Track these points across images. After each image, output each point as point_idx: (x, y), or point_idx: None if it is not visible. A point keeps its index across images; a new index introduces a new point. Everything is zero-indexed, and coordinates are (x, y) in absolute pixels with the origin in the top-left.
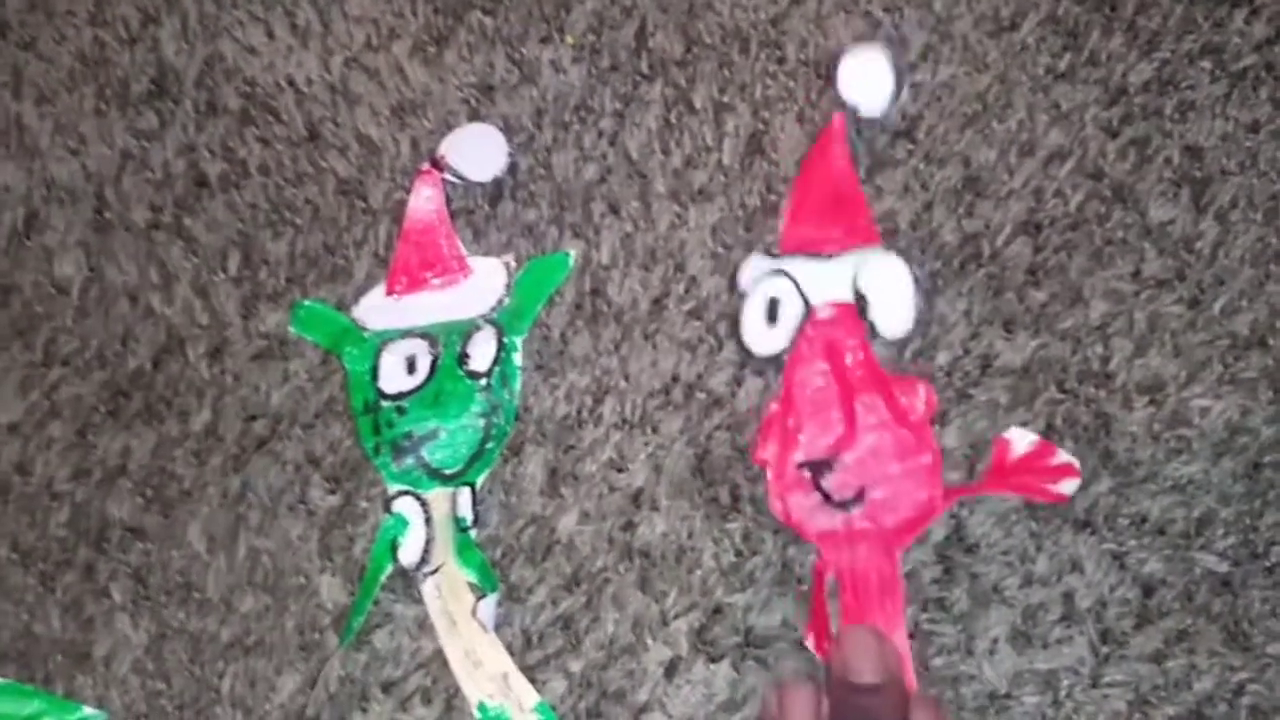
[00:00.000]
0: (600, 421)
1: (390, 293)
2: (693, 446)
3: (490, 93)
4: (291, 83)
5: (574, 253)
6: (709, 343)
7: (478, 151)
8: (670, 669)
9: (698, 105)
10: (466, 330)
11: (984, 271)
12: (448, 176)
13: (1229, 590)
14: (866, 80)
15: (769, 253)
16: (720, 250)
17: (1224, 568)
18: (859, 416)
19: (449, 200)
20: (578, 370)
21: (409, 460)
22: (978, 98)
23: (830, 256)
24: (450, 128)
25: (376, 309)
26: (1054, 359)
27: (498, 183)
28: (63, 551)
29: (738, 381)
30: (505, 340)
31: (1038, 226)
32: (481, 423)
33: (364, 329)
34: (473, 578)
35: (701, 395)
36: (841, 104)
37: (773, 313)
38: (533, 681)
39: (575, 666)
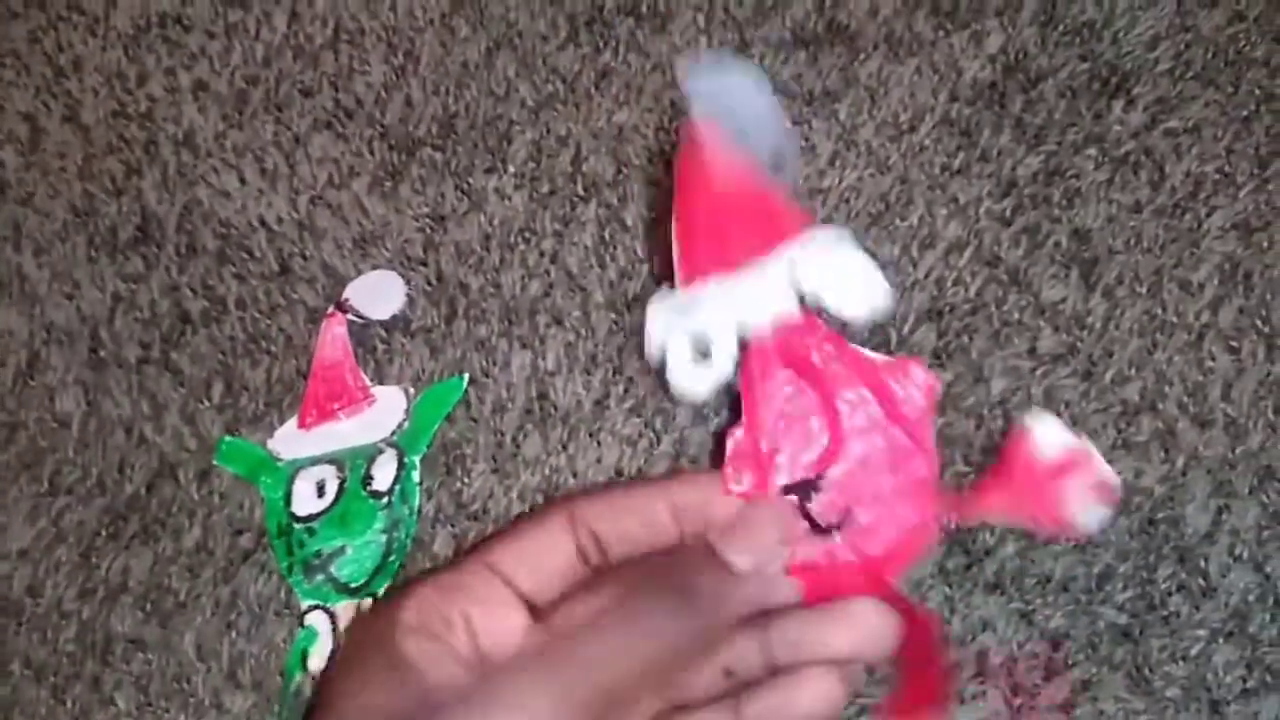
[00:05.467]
0: None
1: (302, 425)
2: None
3: (442, 221)
4: (263, 222)
5: (467, 377)
6: (648, 437)
7: (377, 293)
8: None
9: (629, 222)
10: (370, 454)
11: None
12: (351, 317)
13: (1130, 640)
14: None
15: (670, 291)
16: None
17: (1124, 619)
18: (844, 417)
19: (354, 337)
20: (529, 470)
21: (319, 577)
22: (881, 198)
23: (752, 270)
24: (408, 256)
25: (289, 440)
26: (959, 435)
27: (396, 318)
28: (71, 665)
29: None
30: (405, 460)
31: (940, 313)
32: (383, 538)
33: (278, 459)
34: None
35: None
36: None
37: (703, 348)
38: None
39: None
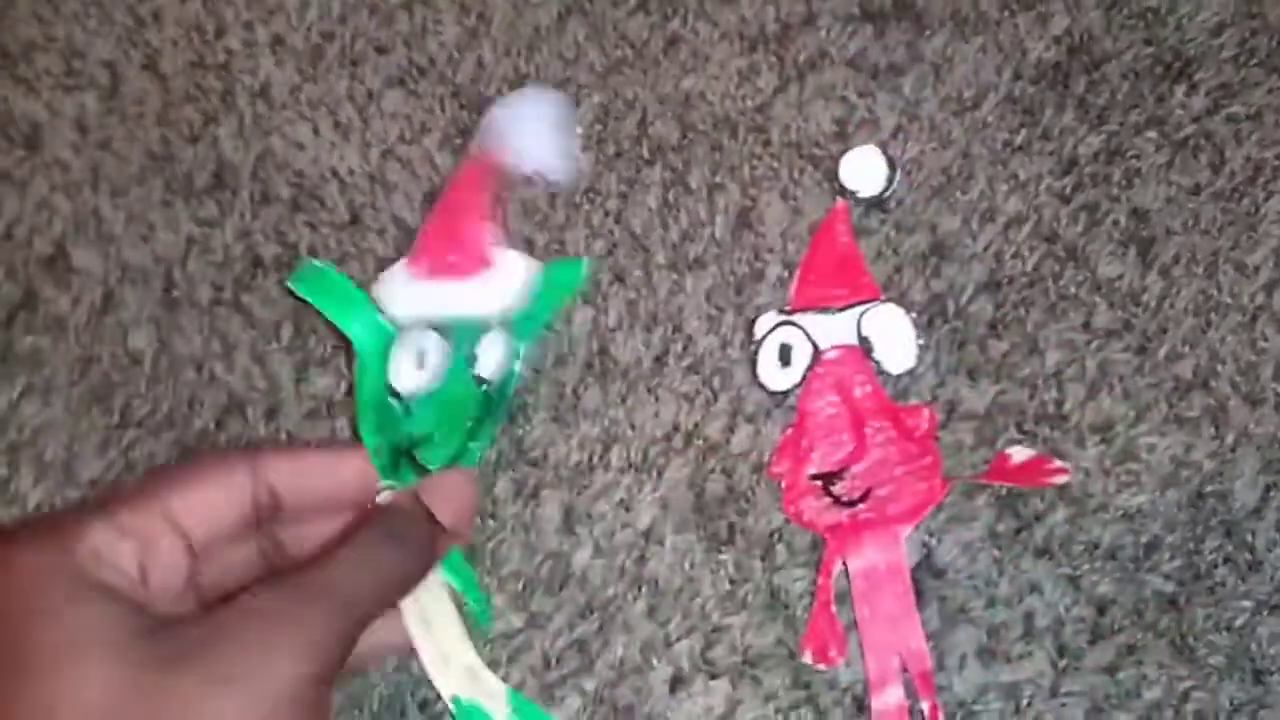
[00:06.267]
0: (609, 466)
1: (413, 266)
2: (692, 488)
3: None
4: (335, 173)
5: (587, 260)
6: (705, 395)
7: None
8: (674, 685)
9: (693, 185)
10: (479, 331)
11: (949, 327)
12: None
13: (1175, 608)
14: (864, 170)
15: (781, 310)
16: (714, 312)
17: (1170, 588)
18: (868, 437)
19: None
20: (589, 421)
21: (404, 460)
22: (943, 171)
23: (836, 311)
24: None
25: (397, 290)
26: (1013, 404)
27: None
28: None
29: (730, 429)
30: (512, 345)
31: (998, 285)
32: (470, 424)
33: (381, 311)
34: (456, 585)
35: (699, 441)
36: (843, 191)
37: (785, 356)
38: (550, 699)
39: (589, 685)
